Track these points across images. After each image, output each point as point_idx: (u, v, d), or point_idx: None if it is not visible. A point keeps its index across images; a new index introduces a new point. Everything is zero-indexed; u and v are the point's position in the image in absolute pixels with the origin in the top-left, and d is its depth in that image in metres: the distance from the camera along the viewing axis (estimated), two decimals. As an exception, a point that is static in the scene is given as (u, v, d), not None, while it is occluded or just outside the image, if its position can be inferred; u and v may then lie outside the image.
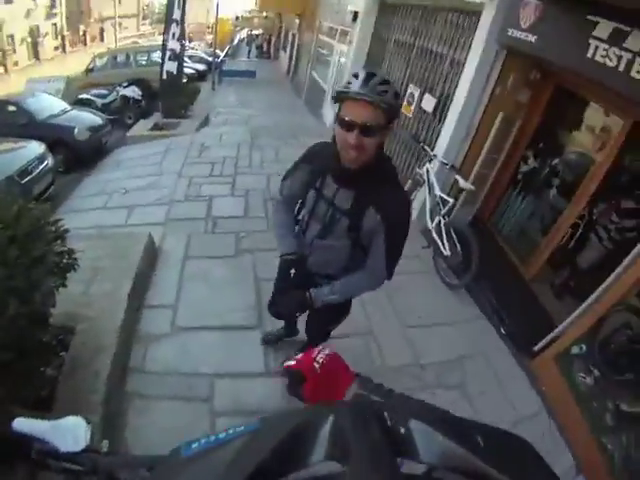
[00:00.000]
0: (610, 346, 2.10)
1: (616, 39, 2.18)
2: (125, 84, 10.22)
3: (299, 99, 11.55)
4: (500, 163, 3.89)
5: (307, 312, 1.66)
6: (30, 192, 4.75)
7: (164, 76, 8.44)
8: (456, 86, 3.86)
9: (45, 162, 5.38)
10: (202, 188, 4.80)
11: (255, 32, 30.02)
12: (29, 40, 25.66)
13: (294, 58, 14.69)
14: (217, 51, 14.58)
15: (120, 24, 35.62)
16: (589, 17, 2.34)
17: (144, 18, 43.90)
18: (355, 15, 6.82)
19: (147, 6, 45.01)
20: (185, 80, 9.86)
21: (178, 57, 8.45)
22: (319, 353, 0.78)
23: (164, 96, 8.63)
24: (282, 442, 0.43)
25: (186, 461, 0.49)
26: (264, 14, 23.92)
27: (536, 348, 2.61)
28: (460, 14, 3.99)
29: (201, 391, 2.22)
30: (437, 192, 3.58)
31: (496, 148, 3.76)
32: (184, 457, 0.50)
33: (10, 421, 0.70)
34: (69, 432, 0.72)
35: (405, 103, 5.00)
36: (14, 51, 24.11)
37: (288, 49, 16.65)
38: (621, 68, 2.15)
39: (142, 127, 8.17)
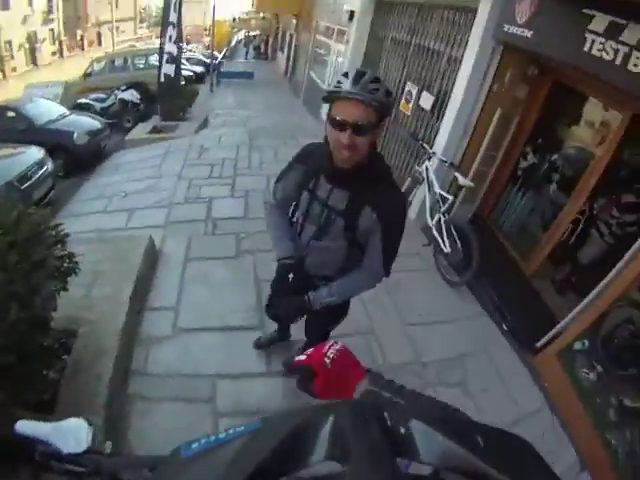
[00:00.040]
0: (613, 341, 2.09)
1: (612, 32, 2.17)
2: (123, 88, 10.24)
3: (297, 99, 11.54)
4: (499, 160, 3.89)
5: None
6: (30, 197, 4.76)
7: (162, 79, 8.47)
8: (453, 83, 3.85)
9: (45, 167, 5.39)
10: (202, 190, 4.81)
11: (252, 33, 30.02)
12: (27, 46, 25.74)
13: (292, 58, 14.67)
14: (215, 53, 14.57)
15: (117, 28, 35.73)
16: (584, 11, 2.33)
17: (141, 21, 43.92)
18: (351, 14, 6.83)
19: (144, 9, 45.00)
20: (183, 82, 9.87)
21: (175, 60, 8.46)
22: (330, 348, 0.76)
23: (162, 99, 8.64)
24: (282, 442, 0.43)
25: (186, 461, 0.49)
26: (261, 15, 23.90)
27: (538, 344, 2.60)
28: (456, 11, 3.99)
29: (203, 392, 2.22)
30: (437, 190, 3.58)
31: (495, 145, 3.76)
32: (184, 457, 0.49)
33: (12, 424, 0.70)
34: (71, 434, 0.72)
35: (403, 101, 5.01)
36: (12, 57, 24.18)
37: (285, 50, 16.63)
38: (618, 62, 2.14)
39: (141, 130, 8.18)
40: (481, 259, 3.02)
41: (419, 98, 4.64)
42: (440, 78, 4.27)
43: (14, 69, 24.08)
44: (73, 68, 19.05)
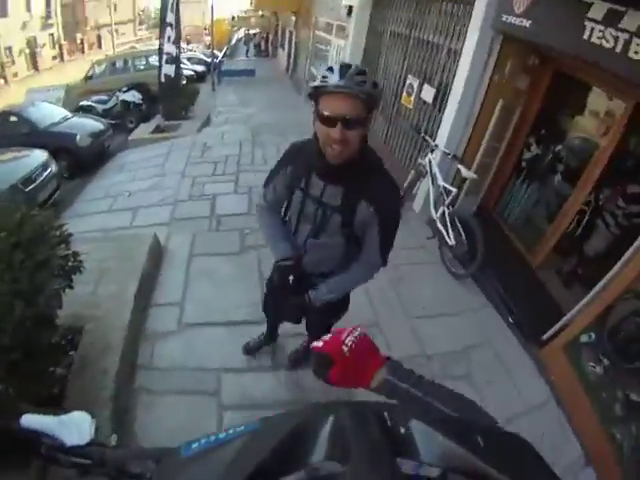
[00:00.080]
0: (619, 334, 2.06)
1: (611, 20, 2.12)
2: (125, 89, 10.29)
3: (299, 96, 11.51)
4: (502, 151, 3.85)
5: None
6: (35, 199, 4.80)
7: (162, 79, 8.54)
8: (454, 75, 3.82)
9: (49, 169, 5.43)
10: (205, 187, 4.83)
11: (252, 31, 29.97)
12: (27, 51, 25.96)
13: (292, 55, 14.65)
14: (215, 52, 14.58)
15: (117, 30, 35.81)
16: (582, -2, 2.29)
17: (140, 23, 43.99)
18: (350, 9, 6.80)
19: (142, 11, 45.08)
20: (184, 82, 9.89)
21: (175, 60, 8.52)
22: (348, 335, 0.74)
23: (164, 99, 8.71)
24: (282, 442, 0.43)
25: (186, 461, 0.49)
26: (260, 13, 23.87)
27: (544, 337, 2.57)
28: (454, 3, 3.96)
29: (208, 385, 2.24)
30: (440, 182, 3.56)
31: (497, 136, 3.72)
32: (184, 457, 0.50)
33: (18, 418, 0.71)
34: (74, 427, 0.73)
35: (405, 94, 4.99)
36: (13, 62, 24.41)
37: (286, 47, 16.60)
38: (618, 49, 2.10)
39: (144, 130, 8.22)
40: (486, 251, 3.00)
41: (420, 91, 4.62)
42: (441, 70, 4.25)
43: (15, 74, 24.27)
44: (74, 71, 19.15)
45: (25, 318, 1.53)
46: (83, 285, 2.25)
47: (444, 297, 3.09)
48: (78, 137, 6.88)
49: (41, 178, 5.18)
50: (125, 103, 9.92)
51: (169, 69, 8.48)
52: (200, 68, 15.89)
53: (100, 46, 34.95)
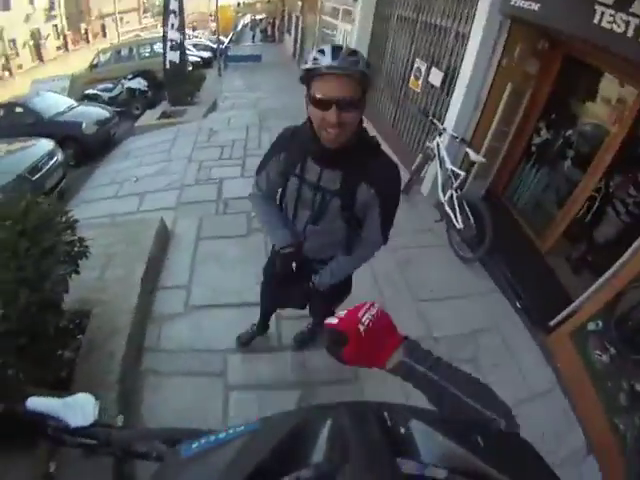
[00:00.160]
0: (627, 323, 2.02)
1: (622, 4, 2.05)
2: (130, 76, 10.28)
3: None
4: (511, 135, 3.79)
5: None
6: (42, 187, 4.84)
7: (167, 66, 8.54)
8: (462, 59, 3.75)
9: (55, 158, 5.45)
10: (212, 171, 4.82)
11: (258, 17, 29.64)
12: (31, 43, 25.91)
13: (299, 40, 14.47)
14: (221, 38, 14.44)
15: (121, 19, 35.54)
16: (592, -18, 2.21)
17: (145, 11, 43.61)
18: (356, -7, 6.66)
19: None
20: (190, 68, 9.84)
21: (180, 46, 8.50)
22: (366, 312, 0.70)
23: (169, 85, 8.69)
24: (282, 442, 0.43)
25: (186, 461, 0.49)
26: (265, -1, 23.60)
27: (552, 323, 2.54)
28: (462, -14, 3.85)
29: (215, 366, 2.26)
30: (448, 165, 3.52)
31: (507, 120, 3.65)
32: (184, 457, 0.49)
33: (24, 400, 0.72)
34: (79, 408, 0.74)
35: (412, 78, 4.91)
36: (17, 55, 24.41)
37: (292, 32, 16.38)
38: (630, 34, 2.03)
39: (150, 117, 8.21)
40: (494, 235, 2.97)
41: (428, 75, 4.54)
42: (449, 54, 4.16)
43: (20, 66, 24.28)
44: (79, 61, 19.09)
45: (30, 304, 1.55)
46: (90, 270, 2.28)
47: (451, 280, 3.07)
48: (84, 125, 6.89)
49: (47, 167, 5.20)
50: (131, 90, 9.90)
51: (174, 55, 8.46)
52: (206, 54, 15.77)
53: (105, 35, 34.73)
